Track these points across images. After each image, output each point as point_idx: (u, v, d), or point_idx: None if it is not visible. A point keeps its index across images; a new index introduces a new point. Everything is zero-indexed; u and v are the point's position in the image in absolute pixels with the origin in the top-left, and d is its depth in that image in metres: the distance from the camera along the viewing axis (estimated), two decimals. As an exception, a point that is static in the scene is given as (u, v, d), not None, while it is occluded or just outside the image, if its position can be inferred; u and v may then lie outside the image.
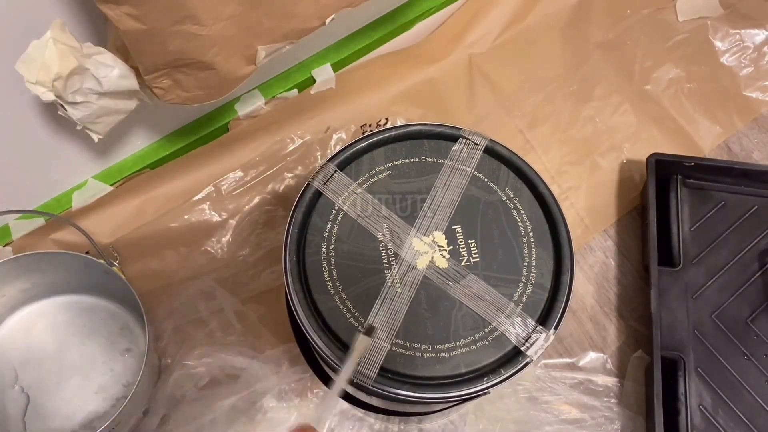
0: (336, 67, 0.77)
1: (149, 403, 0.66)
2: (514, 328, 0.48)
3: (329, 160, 0.54)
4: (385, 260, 0.50)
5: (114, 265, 0.65)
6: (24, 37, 0.46)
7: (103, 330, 0.70)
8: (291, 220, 0.51)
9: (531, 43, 0.87)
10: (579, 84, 0.85)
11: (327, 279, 0.50)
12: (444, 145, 0.54)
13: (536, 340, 0.47)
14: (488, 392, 0.47)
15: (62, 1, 0.48)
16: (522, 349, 0.48)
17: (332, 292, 0.49)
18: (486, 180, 0.53)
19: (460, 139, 0.54)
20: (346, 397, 0.61)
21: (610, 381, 0.70)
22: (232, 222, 0.74)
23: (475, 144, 0.54)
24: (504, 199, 0.52)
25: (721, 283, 0.72)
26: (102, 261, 0.63)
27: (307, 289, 0.50)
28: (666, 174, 0.75)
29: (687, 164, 0.74)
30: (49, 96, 0.46)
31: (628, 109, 0.83)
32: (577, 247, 0.77)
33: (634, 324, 0.73)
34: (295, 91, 0.76)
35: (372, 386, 0.46)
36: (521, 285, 0.50)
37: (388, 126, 0.78)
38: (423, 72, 0.83)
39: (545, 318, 0.49)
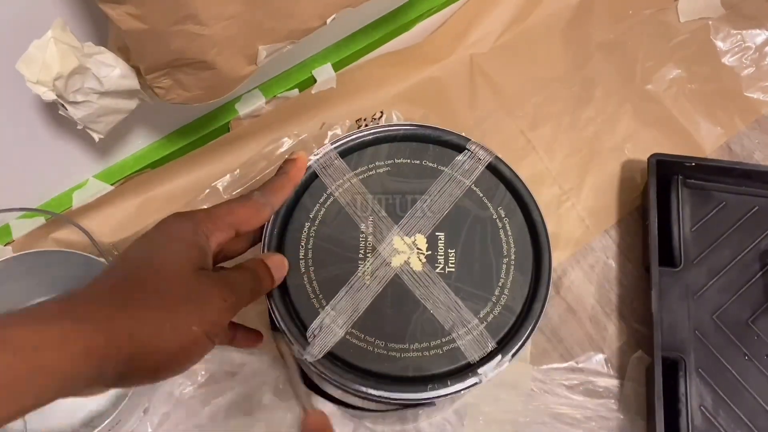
0: (337, 66, 0.77)
1: (149, 401, 0.66)
2: (472, 345, 0.48)
3: (332, 146, 0.54)
4: (361, 251, 0.51)
5: (114, 264, 0.65)
6: (24, 36, 0.46)
7: (103, 329, 0.70)
8: None
9: (532, 44, 0.87)
10: (580, 84, 0.85)
11: (301, 257, 0.50)
12: (448, 154, 0.54)
13: (490, 361, 0.47)
14: (433, 404, 0.47)
15: (62, 0, 0.48)
16: (474, 366, 0.47)
17: (303, 270, 0.50)
18: (481, 195, 0.53)
19: (466, 150, 0.54)
20: (329, 397, 0.61)
21: (610, 382, 0.70)
22: (232, 221, 0.74)
23: (479, 159, 0.54)
24: (494, 217, 0.52)
25: (722, 284, 0.72)
26: (102, 260, 0.63)
27: None
28: (667, 174, 0.75)
29: (688, 164, 0.74)
30: (50, 96, 0.46)
31: (629, 110, 0.83)
32: (578, 248, 0.77)
33: (635, 324, 0.73)
34: (296, 90, 0.76)
35: (316, 368, 0.47)
36: (490, 304, 0.49)
37: (393, 122, 0.78)
38: (424, 72, 0.83)
39: (506, 342, 0.48)
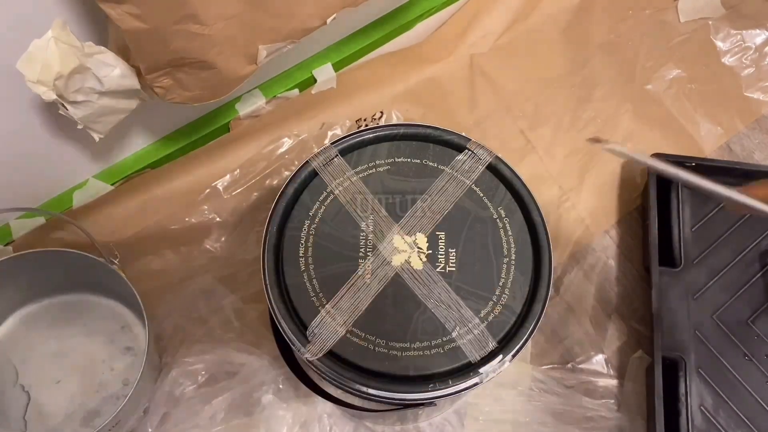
0: (337, 66, 0.77)
1: (149, 402, 0.66)
2: (473, 344, 0.48)
3: (333, 144, 0.54)
4: (362, 250, 0.51)
5: (114, 264, 0.65)
6: (24, 36, 0.46)
7: (103, 329, 0.70)
8: (282, 193, 0.52)
9: (532, 44, 0.87)
10: (580, 84, 0.85)
11: (301, 255, 0.50)
12: (449, 153, 0.54)
13: (491, 361, 0.47)
14: (433, 404, 0.47)
15: (62, 0, 0.48)
16: (475, 366, 0.47)
17: (302, 268, 0.50)
18: (481, 195, 0.53)
19: (466, 150, 0.54)
20: (327, 396, 0.61)
21: (610, 382, 0.70)
22: (232, 221, 0.74)
23: (479, 158, 0.54)
24: (495, 217, 0.52)
25: (721, 284, 0.72)
26: (102, 260, 0.63)
27: (280, 259, 0.50)
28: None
29: (688, 165, 0.74)
30: (50, 95, 0.46)
31: (629, 110, 0.83)
32: (578, 248, 0.77)
33: (635, 324, 0.73)
34: (296, 90, 0.76)
35: (316, 367, 0.47)
36: (491, 303, 0.49)
37: (393, 122, 0.78)
38: (424, 72, 0.83)
39: (507, 342, 0.48)
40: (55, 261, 0.65)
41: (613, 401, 0.69)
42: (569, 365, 0.71)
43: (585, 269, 0.76)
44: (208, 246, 0.73)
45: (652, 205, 0.72)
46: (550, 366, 0.71)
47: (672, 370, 0.68)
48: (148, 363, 0.61)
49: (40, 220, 0.70)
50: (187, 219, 0.74)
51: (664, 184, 0.75)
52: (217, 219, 0.74)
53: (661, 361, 0.65)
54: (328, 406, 0.67)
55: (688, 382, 0.67)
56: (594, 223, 0.78)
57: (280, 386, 0.68)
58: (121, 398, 0.68)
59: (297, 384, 0.68)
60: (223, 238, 0.74)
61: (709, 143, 0.82)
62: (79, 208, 0.71)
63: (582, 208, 0.78)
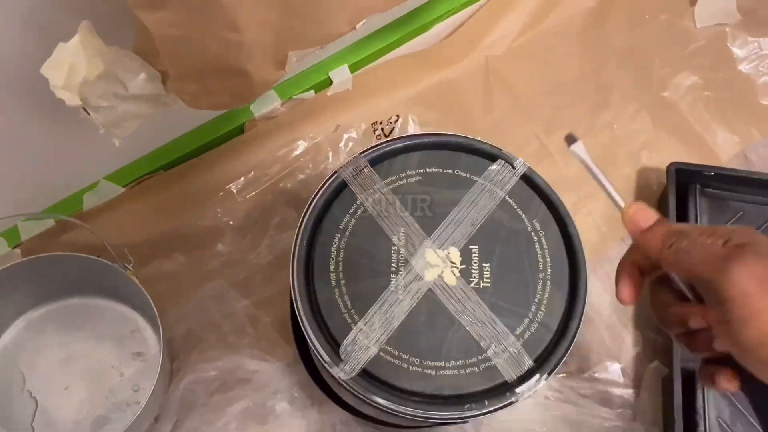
0: (353, 68, 0.76)
1: (161, 409, 0.65)
2: (509, 363, 0.47)
3: (362, 154, 0.53)
4: (394, 264, 0.49)
5: (128, 269, 0.63)
6: (46, 40, 0.44)
7: (112, 333, 0.69)
8: (311, 205, 0.50)
9: (548, 48, 0.86)
10: (596, 89, 0.84)
11: (332, 270, 0.49)
12: (481, 163, 0.53)
13: (528, 380, 0.46)
14: (466, 422, 0.46)
15: (83, 4, 0.47)
16: (512, 386, 0.46)
17: (334, 284, 0.49)
18: (516, 207, 0.52)
19: (500, 159, 0.53)
20: (345, 405, 0.60)
21: (626, 392, 0.70)
22: (245, 224, 0.73)
23: (514, 168, 0.53)
24: (530, 230, 0.51)
25: (739, 294, 0.71)
26: (115, 264, 0.62)
27: (310, 275, 0.49)
28: (685, 182, 0.75)
29: (707, 173, 0.74)
30: (75, 101, 0.44)
31: (645, 116, 0.83)
32: (594, 255, 0.76)
33: (651, 334, 0.72)
34: (312, 92, 0.75)
35: (350, 386, 0.46)
36: (527, 321, 0.48)
37: (409, 126, 0.77)
38: (439, 74, 0.82)
39: (544, 360, 0.47)
40: (65, 265, 0.63)
41: (629, 411, 0.69)
42: (585, 374, 0.71)
43: (601, 278, 0.75)
44: (220, 250, 0.72)
45: (670, 213, 0.71)
46: (566, 375, 0.70)
47: (689, 382, 0.67)
48: (161, 369, 0.60)
49: (49, 222, 0.68)
50: (199, 222, 0.72)
51: (682, 192, 0.74)
52: (231, 222, 0.73)
53: (680, 373, 0.65)
54: (343, 414, 0.66)
55: (705, 394, 0.67)
56: (610, 230, 0.77)
57: (295, 395, 0.67)
58: (131, 404, 0.66)
59: (311, 392, 0.67)
60: (235, 242, 0.72)
61: (725, 152, 0.81)
62: (90, 210, 0.69)
63: (598, 215, 0.78)
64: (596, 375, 0.71)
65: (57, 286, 0.67)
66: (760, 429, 0.62)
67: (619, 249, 0.76)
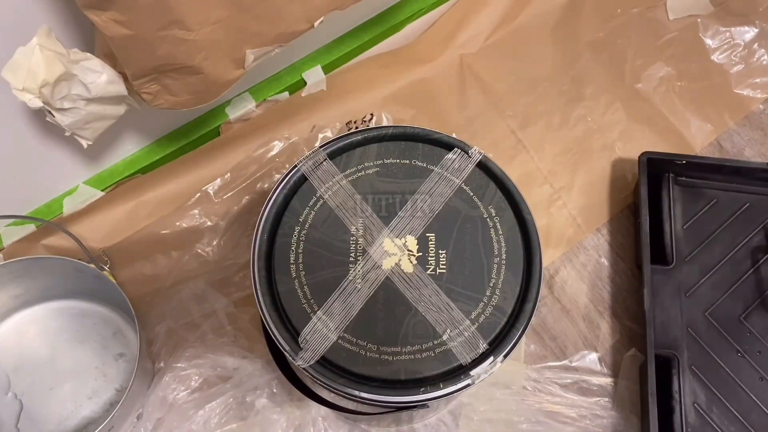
0: (327, 69, 0.77)
1: (143, 407, 0.66)
2: (464, 346, 0.48)
3: (321, 148, 0.54)
4: (352, 254, 0.50)
5: (104, 270, 0.65)
6: (10, 43, 0.46)
7: (95, 335, 0.70)
8: (271, 199, 0.52)
9: (522, 43, 0.87)
10: (570, 83, 0.85)
11: (292, 262, 0.50)
12: (438, 152, 0.54)
13: (482, 363, 0.47)
14: (426, 406, 0.47)
15: (48, 7, 0.48)
16: (466, 368, 0.47)
17: (294, 275, 0.50)
18: (471, 194, 0.53)
19: (455, 149, 0.54)
20: (317, 399, 0.61)
21: (604, 380, 0.70)
22: (223, 224, 0.74)
23: (469, 156, 0.54)
24: (485, 216, 0.52)
25: (714, 281, 0.72)
26: (93, 266, 0.63)
27: (271, 267, 0.50)
28: (658, 172, 0.75)
29: (679, 162, 0.74)
30: (36, 102, 0.45)
31: (619, 108, 0.83)
32: (570, 247, 0.77)
33: (628, 322, 0.73)
34: (286, 93, 0.76)
35: (309, 373, 0.47)
36: (481, 305, 0.49)
37: (383, 124, 0.78)
38: (414, 73, 0.83)
39: (498, 343, 0.48)
40: (46, 268, 0.65)
41: (607, 399, 0.69)
42: (563, 364, 0.71)
43: (577, 268, 0.76)
44: (199, 250, 0.73)
45: (643, 203, 0.72)
46: (544, 365, 0.71)
47: (665, 368, 0.68)
48: (140, 368, 0.61)
49: (31, 228, 0.69)
50: (178, 223, 0.73)
51: (656, 182, 0.75)
52: (208, 223, 0.74)
53: (654, 359, 0.65)
54: (323, 409, 0.67)
55: (681, 380, 0.67)
56: (585, 221, 0.78)
57: (274, 390, 0.68)
58: (114, 404, 0.67)
59: (291, 388, 0.67)
60: (214, 242, 0.74)
61: (699, 140, 0.82)
62: (70, 214, 0.70)
63: (573, 206, 0.78)
64: (574, 364, 0.71)
65: (39, 290, 0.69)
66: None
67: (594, 239, 0.77)
